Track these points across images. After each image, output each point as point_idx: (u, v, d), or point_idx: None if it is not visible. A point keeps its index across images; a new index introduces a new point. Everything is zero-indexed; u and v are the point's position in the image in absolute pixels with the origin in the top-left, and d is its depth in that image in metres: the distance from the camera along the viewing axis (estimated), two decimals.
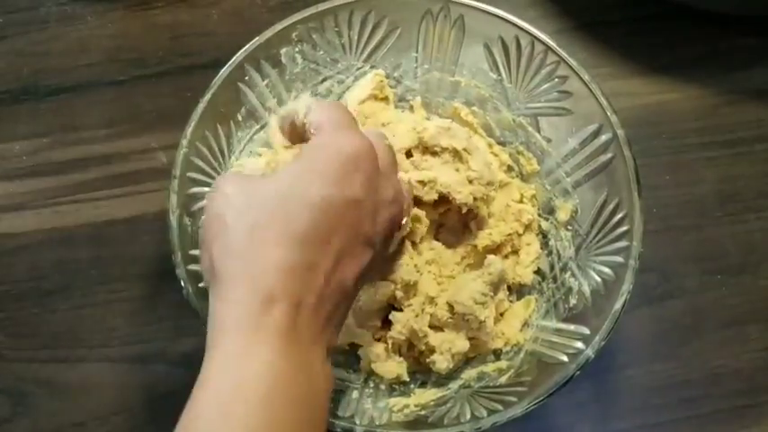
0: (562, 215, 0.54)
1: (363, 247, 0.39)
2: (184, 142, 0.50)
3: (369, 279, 0.45)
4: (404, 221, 0.46)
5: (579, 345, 0.46)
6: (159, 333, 0.58)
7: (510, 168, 0.57)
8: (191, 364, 0.56)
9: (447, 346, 0.50)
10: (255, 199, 0.37)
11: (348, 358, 0.53)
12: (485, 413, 0.45)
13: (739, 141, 0.64)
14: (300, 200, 0.36)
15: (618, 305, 0.46)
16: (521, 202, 0.56)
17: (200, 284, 0.47)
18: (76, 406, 0.56)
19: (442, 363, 0.50)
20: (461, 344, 0.51)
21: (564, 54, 0.52)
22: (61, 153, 0.63)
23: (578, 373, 0.45)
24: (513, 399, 0.45)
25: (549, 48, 0.52)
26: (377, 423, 0.46)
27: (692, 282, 0.60)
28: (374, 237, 0.39)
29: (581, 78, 0.51)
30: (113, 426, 0.55)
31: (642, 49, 0.67)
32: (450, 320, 0.50)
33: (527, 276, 0.54)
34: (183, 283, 0.46)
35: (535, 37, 0.52)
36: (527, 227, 0.55)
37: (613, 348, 0.58)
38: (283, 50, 0.54)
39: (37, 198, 0.62)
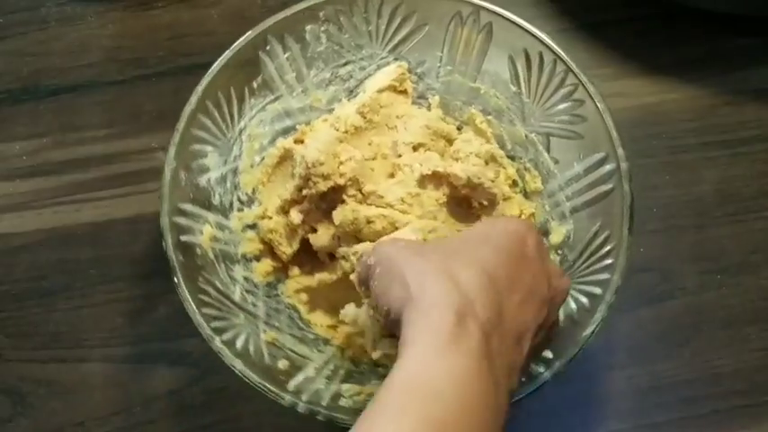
0: (555, 238, 0.53)
1: (541, 304, 0.39)
2: (193, 99, 0.50)
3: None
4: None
5: (540, 368, 0.46)
6: (159, 333, 0.58)
7: (515, 183, 0.57)
8: (190, 364, 0.57)
9: None
10: (432, 245, 0.40)
11: (315, 339, 0.53)
12: None
13: (739, 141, 0.64)
14: (487, 245, 0.38)
15: (585, 333, 0.46)
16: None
17: (182, 238, 0.48)
18: (76, 406, 0.56)
19: None
20: None
21: (584, 78, 0.51)
22: (61, 153, 0.63)
23: (531, 393, 0.44)
24: None
25: (570, 69, 0.52)
26: (322, 403, 0.46)
27: (691, 282, 0.60)
28: (547, 299, 0.39)
29: (596, 105, 0.51)
30: (113, 426, 0.55)
31: (642, 49, 0.67)
32: None
33: None
34: (163, 234, 0.47)
35: (558, 56, 0.52)
36: None
37: (614, 348, 0.58)
38: (308, 27, 0.54)
39: (37, 198, 0.62)
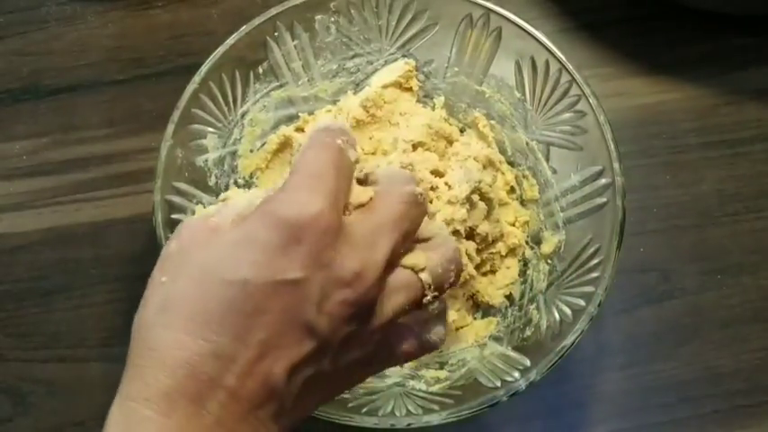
0: (546, 248, 0.54)
1: (300, 337, 0.33)
2: (197, 79, 0.51)
3: (331, 377, 0.36)
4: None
5: (516, 375, 0.46)
6: None
7: (512, 190, 0.57)
8: None
9: None
10: (185, 268, 0.34)
11: None
12: (403, 412, 0.45)
13: (739, 141, 0.64)
14: (223, 277, 0.33)
15: (565, 343, 0.46)
16: (513, 225, 0.56)
17: (173, 216, 0.48)
18: (76, 406, 0.56)
19: None
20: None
21: (587, 90, 0.51)
22: (61, 153, 0.63)
23: (504, 399, 0.45)
24: (435, 407, 0.45)
25: (574, 79, 0.52)
26: None
27: (692, 282, 0.60)
28: (317, 324, 0.33)
29: (596, 118, 0.51)
30: None
31: (642, 49, 0.67)
32: None
33: (497, 298, 0.54)
34: (154, 210, 0.48)
35: (564, 66, 0.52)
36: (511, 250, 0.55)
37: (614, 348, 0.58)
38: (318, 17, 0.54)
39: (37, 198, 0.62)
